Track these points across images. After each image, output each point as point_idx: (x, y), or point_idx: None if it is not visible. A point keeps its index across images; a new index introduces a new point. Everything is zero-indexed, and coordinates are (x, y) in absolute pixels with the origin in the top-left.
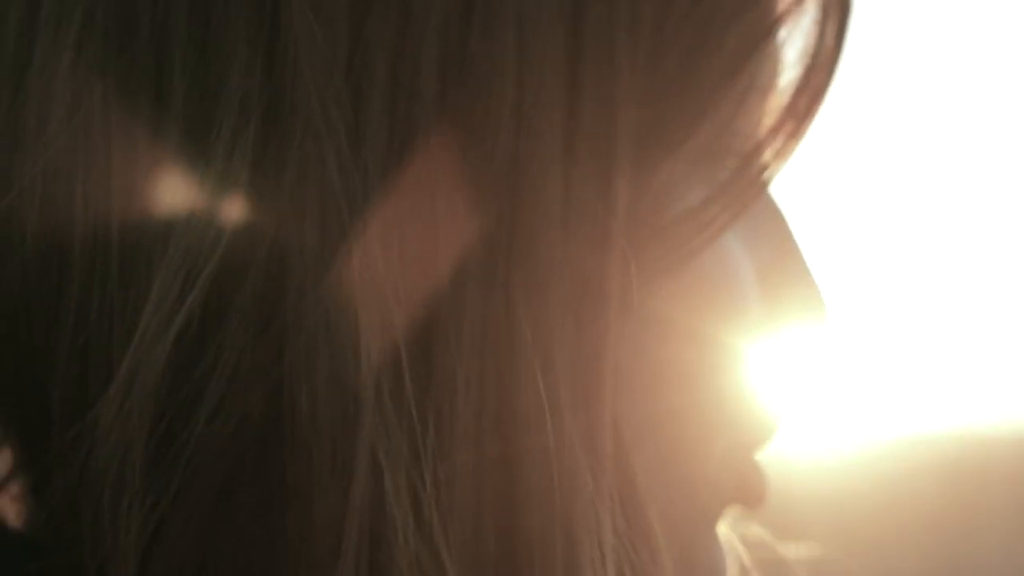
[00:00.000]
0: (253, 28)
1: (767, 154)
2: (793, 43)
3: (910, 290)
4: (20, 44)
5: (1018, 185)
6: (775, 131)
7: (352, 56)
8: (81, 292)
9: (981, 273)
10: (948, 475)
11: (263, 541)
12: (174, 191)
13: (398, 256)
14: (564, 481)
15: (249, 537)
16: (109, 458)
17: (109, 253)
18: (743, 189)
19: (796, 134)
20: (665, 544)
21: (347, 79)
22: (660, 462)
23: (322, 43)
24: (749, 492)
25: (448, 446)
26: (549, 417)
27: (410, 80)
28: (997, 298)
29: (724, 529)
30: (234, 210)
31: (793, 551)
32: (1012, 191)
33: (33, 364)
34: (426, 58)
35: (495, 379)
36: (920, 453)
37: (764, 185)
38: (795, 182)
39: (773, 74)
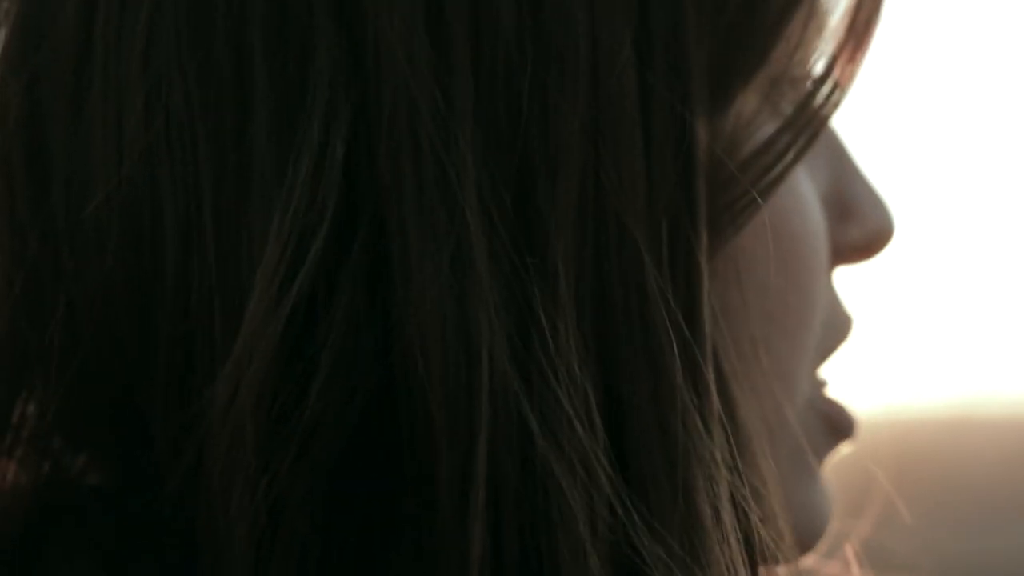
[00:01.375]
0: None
1: (831, 80)
2: None
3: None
4: (79, 31)
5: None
6: (838, 54)
7: (430, 16)
8: (177, 282)
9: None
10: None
11: (383, 510)
12: (268, 177)
13: (499, 214)
14: (669, 412)
15: (369, 508)
16: (223, 443)
17: (204, 243)
18: (812, 118)
19: (857, 56)
20: (773, 475)
21: (431, 41)
22: (757, 392)
23: (400, 4)
24: (841, 421)
25: (559, 392)
26: (649, 353)
27: (490, 35)
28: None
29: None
30: (334, 184)
31: None
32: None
33: (134, 357)
34: (504, 12)
35: (593, 317)
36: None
37: (832, 112)
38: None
39: None
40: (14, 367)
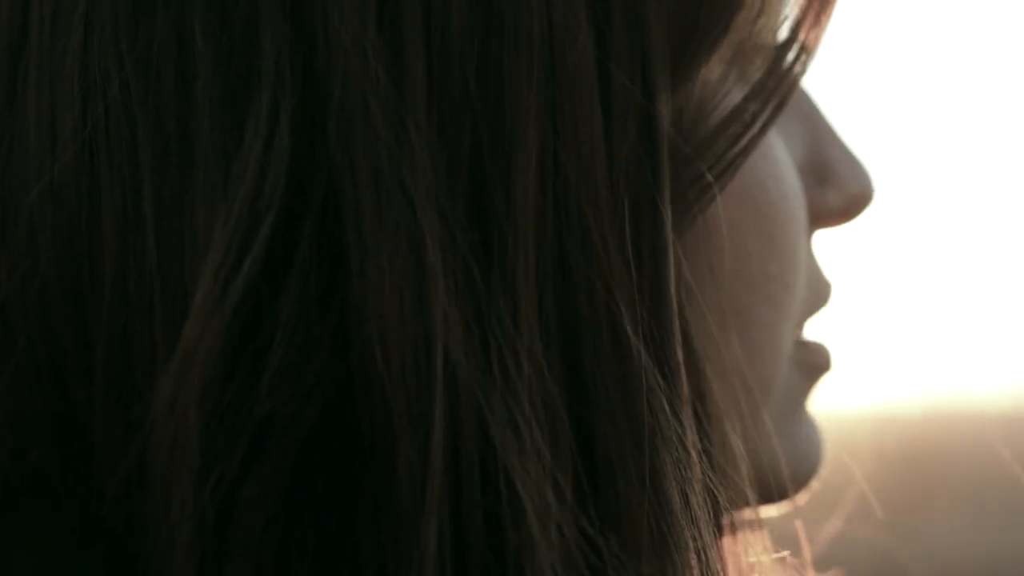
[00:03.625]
0: None
1: (797, 44)
2: None
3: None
4: (12, 26)
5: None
6: (801, 19)
7: (382, 4)
8: (115, 277)
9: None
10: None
11: (342, 508)
12: (212, 165)
13: (454, 200)
14: (635, 395)
15: (327, 506)
16: (166, 442)
17: (144, 235)
18: (779, 83)
19: (822, 19)
20: (743, 448)
21: (380, 28)
22: (734, 364)
23: None
24: (819, 358)
25: (518, 380)
26: (613, 335)
27: (441, 16)
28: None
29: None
30: (281, 173)
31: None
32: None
33: (71, 356)
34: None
35: (555, 300)
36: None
37: (798, 77)
38: None
39: None
40: None
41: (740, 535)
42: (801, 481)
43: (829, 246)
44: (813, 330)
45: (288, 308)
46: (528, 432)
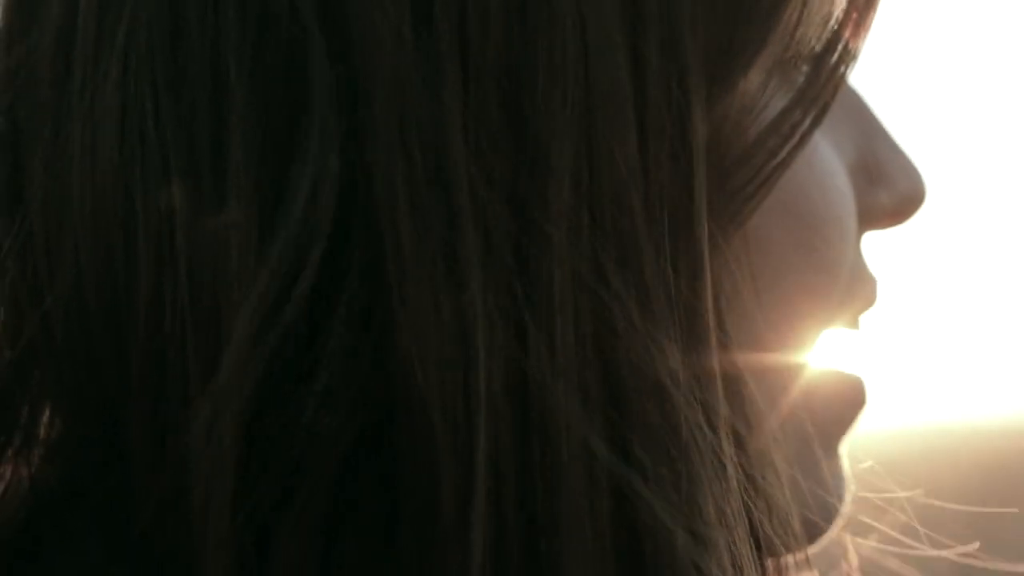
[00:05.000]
0: (313, 8)
1: (838, 51)
2: None
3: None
4: (57, 61)
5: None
6: (842, 25)
7: (417, 21)
8: (150, 302)
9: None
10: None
11: (384, 525)
12: (247, 198)
13: (493, 216)
14: (673, 412)
15: (368, 524)
16: (204, 468)
17: (177, 267)
18: (820, 90)
19: (862, 26)
20: (783, 464)
21: (417, 46)
22: (774, 387)
23: (386, 15)
24: (856, 393)
25: (555, 399)
26: (649, 351)
27: (477, 42)
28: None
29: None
30: (331, 203)
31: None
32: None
33: (110, 377)
34: (493, 7)
35: (592, 316)
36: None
37: (840, 83)
38: None
39: None
40: (12, 365)
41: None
42: (820, 525)
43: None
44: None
45: (331, 334)
46: (568, 448)
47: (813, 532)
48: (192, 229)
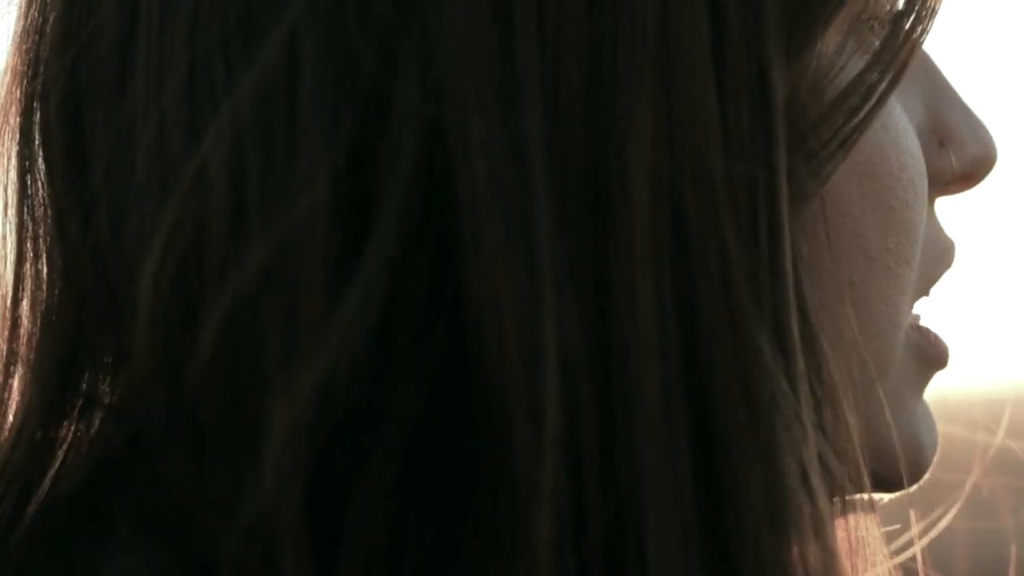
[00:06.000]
0: None
1: (915, 12)
2: None
3: None
4: (121, 19)
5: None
6: None
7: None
8: (223, 263)
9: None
10: None
11: (457, 492)
12: (316, 153)
13: (569, 179)
14: (751, 371)
15: (442, 491)
16: (281, 438)
17: (250, 223)
18: (897, 52)
19: None
20: (859, 424)
21: (493, 20)
22: (851, 339)
23: None
24: (938, 351)
25: (634, 360)
26: (730, 312)
27: (554, 7)
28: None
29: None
30: (405, 168)
31: None
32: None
33: (180, 342)
34: None
35: (672, 280)
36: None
37: (918, 43)
38: None
39: None
40: (68, 345)
41: (853, 516)
42: (915, 469)
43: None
44: (933, 320)
45: (406, 300)
46: (645, 411)
47: (916, 472)
48: (265, 188)
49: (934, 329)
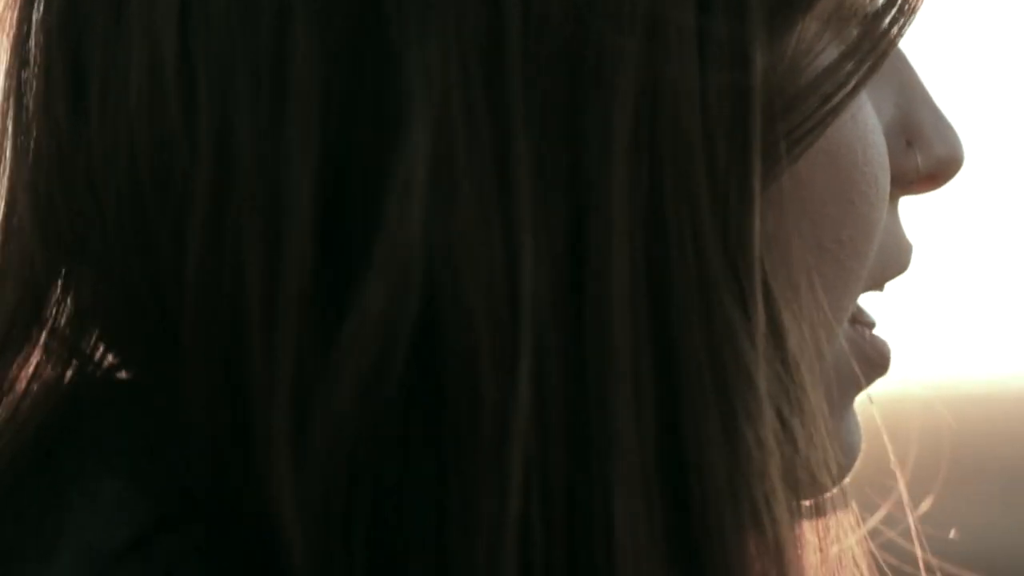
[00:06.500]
0: None
1: (896, 6)
2: None
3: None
4: None
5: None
6: None
7: None
8: (209, 196)
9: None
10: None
11: (426, 445)
12: (307, 89)
13: (549, 141)
14: (721, 338)
15: (409, 445)
16: (258, 360)
17: (238, 153)
18: (875, 44)
19: None
20: (821, 408)
21: None
22: (807, 321)
23: None
24: (879, 357)
25: (606, 323)
26: (699, 286)
27: None
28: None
29: None
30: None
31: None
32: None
33: (164, 259)
34: None
35: (646, 253)
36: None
37: (895, 40)
38: None
39: None
40: (46, 258)
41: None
42: (840, 472)
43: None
44: (881, 326)
45: (382, 246)
46: (616, 371)
47: (839, 473)
48: (252, 119)
49: (878, 333)
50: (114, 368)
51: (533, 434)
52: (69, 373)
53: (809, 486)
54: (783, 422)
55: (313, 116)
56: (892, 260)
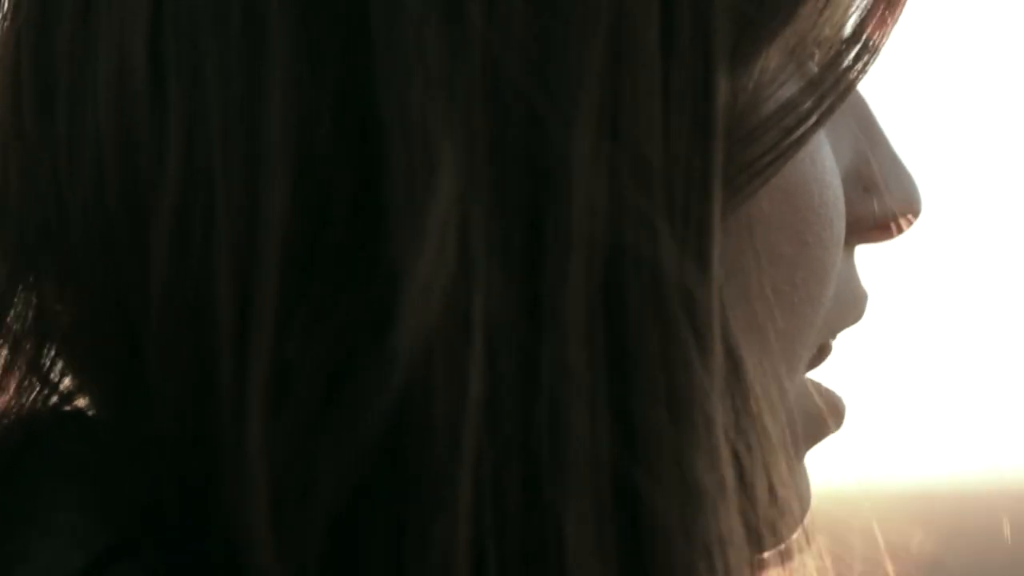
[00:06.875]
0: None
1: (860, 43)
2: None
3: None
4: None
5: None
6: (867, 17)
7: None
8: (177, 192)
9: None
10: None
11: (374, 448)
12: (283, 81)
13: (509, 160)
14: (678, 370)
15: (361, 447)
16: (229, 369)
17: (209, 155)
18: (837, 80)
19: (888, 19)
20: (781, 455)
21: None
22: (768, 365)
23: None
24: (834, 408)
25: (558, 353)
26: (656, 313)
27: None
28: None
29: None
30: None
31: None
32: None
33: (128, 267)
34: None
35: (604, 276)
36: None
37: (858, 77)
38: None
39: None
40: (7, 269)
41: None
42: (794, 521)
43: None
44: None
45: (331, 234)
46: (569, 399)
47: (787, 528)
48: (225, 106)
49: (831, 386)
50: (74, 390)
51: (486, 459)
52: (27, 394)
53: (768, 532)
54: (740, 463)
55: (289, 119)
56: (847, 308)
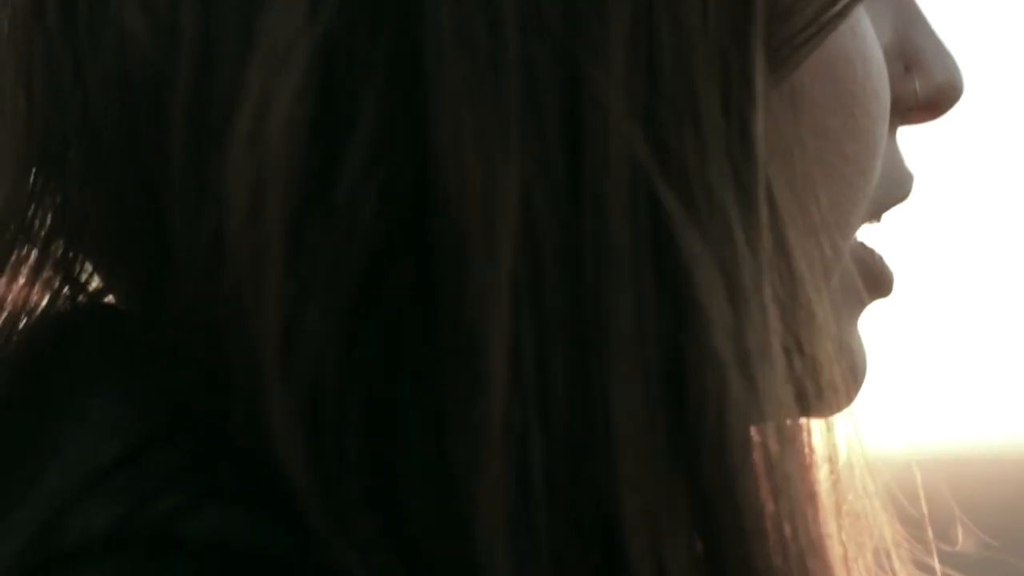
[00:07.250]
0: None
1: None
2: None
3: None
4: None
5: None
6: None
7: None
8: (193, 70)
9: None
10: None
11: (410, 327)
12: None
13: (548, 38)
14: (723, 241)
15: (394, 325)
16: (243, 239)
17: (222, 34)
18: None
19: None
20: (830, 324)
21: None
22: (811, 234)
23: None
24: (883, 278)
25: (598, 218)
26: (703, 186)
27: None
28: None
29: None
30: None
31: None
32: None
33: (150, 152)
34: None
35: (647, 142)
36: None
37: None
38: None
39: None
40: (32, 169)
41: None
42: (848, 392)
43: None
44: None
45: (368, 99)
46: (613, 268)
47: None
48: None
49: (882, 253)
50: (102, 290)
51: (528, 332)
52: (57, 294)
53: (816, 401)
54: (789, 333)
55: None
56: (894, 186)
